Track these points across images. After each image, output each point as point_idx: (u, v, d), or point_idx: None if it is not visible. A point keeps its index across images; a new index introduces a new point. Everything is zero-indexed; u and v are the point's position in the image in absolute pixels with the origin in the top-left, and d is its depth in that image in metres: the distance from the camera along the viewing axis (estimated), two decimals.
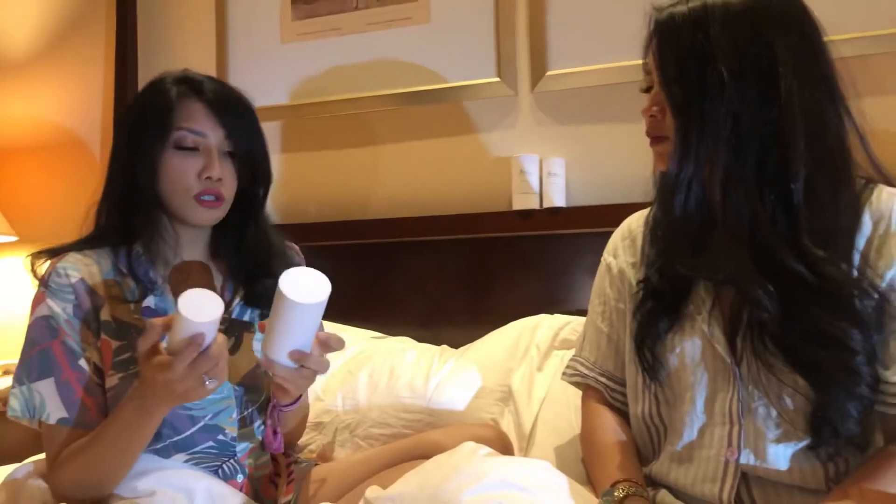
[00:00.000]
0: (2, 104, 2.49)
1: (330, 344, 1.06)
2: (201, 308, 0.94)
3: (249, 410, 1.18)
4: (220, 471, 1.14)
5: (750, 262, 0.96)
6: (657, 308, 1.09)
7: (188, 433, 1.11)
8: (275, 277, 0.98)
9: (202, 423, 1.12)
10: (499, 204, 1.88)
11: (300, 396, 1.17)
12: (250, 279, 1.23)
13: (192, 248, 1.22)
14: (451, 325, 1.87)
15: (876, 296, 0.94)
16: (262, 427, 1.19)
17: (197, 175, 1.14)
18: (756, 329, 0.99)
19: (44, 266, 1.15)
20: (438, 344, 1.76)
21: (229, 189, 1.18)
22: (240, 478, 1.16)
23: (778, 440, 0.98)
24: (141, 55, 2.27)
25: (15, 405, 1.08)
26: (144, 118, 1.16)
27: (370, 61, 2.04)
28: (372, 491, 1.01)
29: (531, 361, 1.56)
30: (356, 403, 1.56)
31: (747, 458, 0.99)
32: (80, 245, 1.17)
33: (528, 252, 1.85)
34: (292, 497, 1.19)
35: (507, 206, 1.85)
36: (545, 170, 1.81)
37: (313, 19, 2.10)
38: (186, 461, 1.12)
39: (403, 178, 2.02)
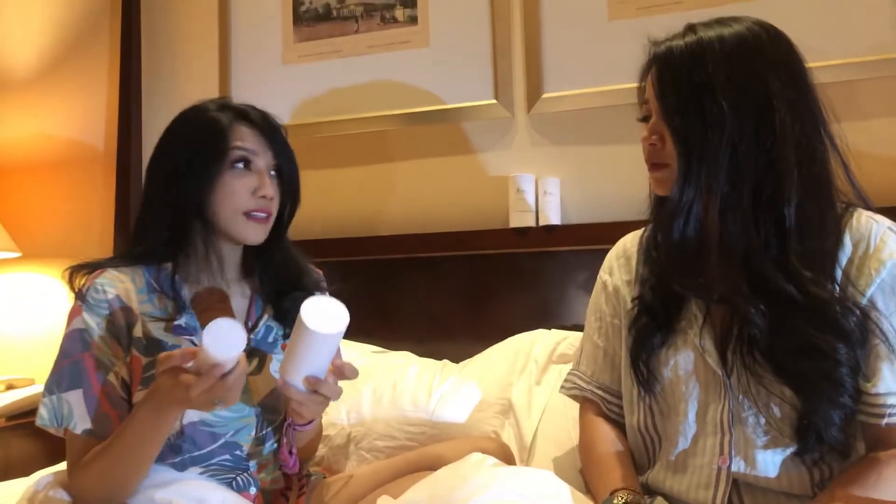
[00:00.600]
0: (6, 121, 2.50)
1: (344, 372, 1.09)
2: (225, 341, 0.95)
3: (266, 430, 1.21)
4: (233, 483, 1.17)
5: (743, 282, 1.00)
6: (651, 324, 1.13)
7: (208, 449, 1.14)
8: (304, 290, 1.00)
9: (223, 440, 1.16)
10: (496, 222, 1.93)
11: None
12: (279, 296, 1.26)
13: (227, 267, 1.25)
14: (451, 339, 1.90)
15: (858, 312, 0.99)
16: (276, 445, 1.22)
17: (251, 193, 1.19)
18: (746, 343, 1.03)
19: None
20: (438, 358, 1.78)
21: (276, 207, 1.23)
22: (252, 490, 1.18)
23: (766, 447, 1.02)
24: (145, 73, 2.29)
25: (44, 413, 1.11)
26: (198, 140, 1.19)
27: (370, 83, 2.08)
28: (383, 500, 1.05)
29: (530, 375, 1.60)
30: (361, 417, 1.58)
31: (738, 466, 1.03)
32: (117, 261, 1.21)
33: (525, 268, 1.89)
34: None
35: (505, 223, 1.89)
36: (541, 189, 1.85)
37: (314, 41, 2.14)
38: (201, 473, 1.14)
39: (404, 197, 2.06)
